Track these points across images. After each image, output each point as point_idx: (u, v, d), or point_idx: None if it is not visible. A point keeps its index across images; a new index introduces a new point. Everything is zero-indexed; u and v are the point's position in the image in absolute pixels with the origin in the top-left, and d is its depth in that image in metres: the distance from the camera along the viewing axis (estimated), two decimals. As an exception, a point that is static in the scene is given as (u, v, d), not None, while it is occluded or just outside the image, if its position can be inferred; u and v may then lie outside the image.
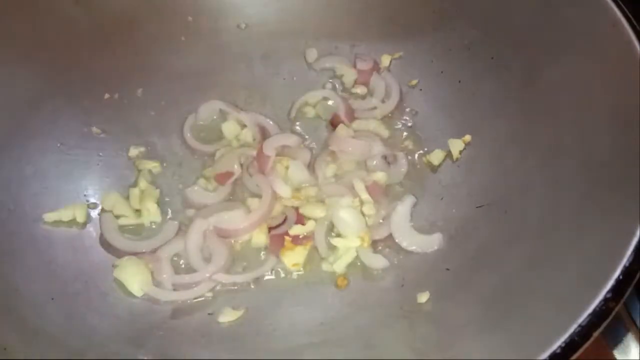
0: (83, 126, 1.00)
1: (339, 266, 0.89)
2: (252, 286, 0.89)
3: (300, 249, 0.90)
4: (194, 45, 1.08)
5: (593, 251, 0.68)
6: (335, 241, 0.91)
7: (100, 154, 1.00)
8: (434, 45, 1.03)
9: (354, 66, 1.09)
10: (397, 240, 0.91)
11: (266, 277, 0.90)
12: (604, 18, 0.77)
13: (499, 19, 0.92)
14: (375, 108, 1.05)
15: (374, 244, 0.92)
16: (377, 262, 0.90)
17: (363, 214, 0.93)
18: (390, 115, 1.05)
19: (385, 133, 1.03)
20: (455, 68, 1.01)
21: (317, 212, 0.93)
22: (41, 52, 0.95)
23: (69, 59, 0.98)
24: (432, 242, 0.90)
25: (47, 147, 0.96)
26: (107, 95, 1.03)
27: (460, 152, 0.97)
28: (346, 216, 0.91)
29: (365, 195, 0.94)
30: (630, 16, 0.76)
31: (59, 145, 0.97)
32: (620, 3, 0.77)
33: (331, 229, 0.93)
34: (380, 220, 0.94)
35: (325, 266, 0.90)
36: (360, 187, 0.94)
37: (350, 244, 0.90)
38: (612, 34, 0.76)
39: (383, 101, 1.06)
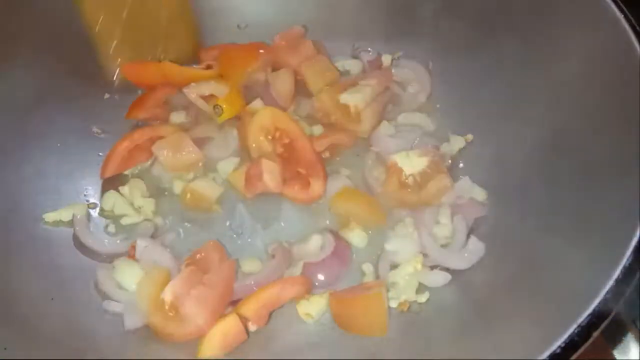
0: (83, 126, 1.00)
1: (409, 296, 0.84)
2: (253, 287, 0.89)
3: (316, 299, 0.85)
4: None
5: (593, 251, 0.68)
6: (392, 276, 0.85)
7: (100, 154, 0.99)
8: (434, 45, 1.03)
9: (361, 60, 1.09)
10: (447, 266, 0.85)
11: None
12: (604, 18, 0.77)
13: (499, 19, 0.92)
14: (419, 92, 1.03)
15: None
16: (438, 279, 0.85)
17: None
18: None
19: (430, 126, 1.00)
20: (455, 68, 1.01)
21: (357, 240, 0.90)
22: (41, 52, 0.95)
23: (69, 59, 0.98)
24: (476, 252, 0.85)
25: (47, 147, 0.96)
26: (107, 95, 1.03)
27: (460, 150, 0.97)
28: (395, 246, 0.87)
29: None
30: (630, 16, 0.76)
31: (59, 145, 0.97)
32: (620, 3, 0.77)
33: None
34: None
35: (392, 303, 0.84)
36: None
37: (407, 271, 0.85)
38: (612, 34, 0.76)
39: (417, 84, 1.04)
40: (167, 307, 0.80)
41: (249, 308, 0.81)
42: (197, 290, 0.81)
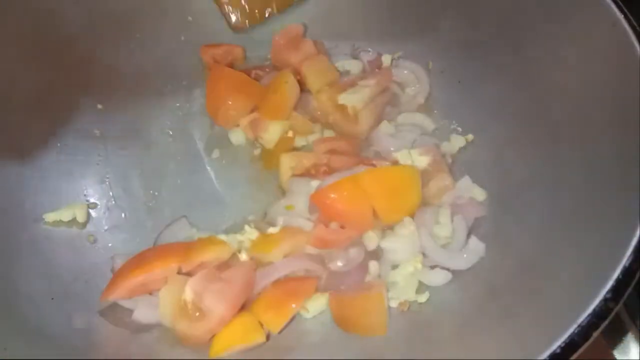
0: (83, 126, 1.00)
1: (408, 296, 0.84)
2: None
3: (316, 296, 0.85)
4: (194, 45, 1.08)
5: (593, 251, 0.68)
6: (393, 276, 0.85)
7: (100, 154, 1.00)
8: (434, 45, 1.03)
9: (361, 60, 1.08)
10: (446, 266, 0.85)
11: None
12: (604, 18, 0.77)
13: (499, 18, 0.93)
14: (418, 93, 1.03)
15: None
16: (438, 278, 0.85)
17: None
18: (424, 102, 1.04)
19: (430, 126, 1.00)
20: (455, 68, 1.01)
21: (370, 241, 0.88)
22: (41, 52, 0.95)
23: (69, 58, 0.98)
24: (476, 252, 0.85)
25: (47, 147, 0.95)
26: (107, 95, 1.03)
27: (460, 149, 0.97)
28: (394, 245, 0.86)
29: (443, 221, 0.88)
30: (630, 16, 0.76)
31: (59, 145, 0.97)
32: (620, 3, 0.77)
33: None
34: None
35: (392, 303, 0.84)
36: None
37: (407, 271, 0.84)
38: (612, 34, 0.76)
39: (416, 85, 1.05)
40: (189, 306, 0.80)
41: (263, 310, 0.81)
42: (216, 285, 0.81)
